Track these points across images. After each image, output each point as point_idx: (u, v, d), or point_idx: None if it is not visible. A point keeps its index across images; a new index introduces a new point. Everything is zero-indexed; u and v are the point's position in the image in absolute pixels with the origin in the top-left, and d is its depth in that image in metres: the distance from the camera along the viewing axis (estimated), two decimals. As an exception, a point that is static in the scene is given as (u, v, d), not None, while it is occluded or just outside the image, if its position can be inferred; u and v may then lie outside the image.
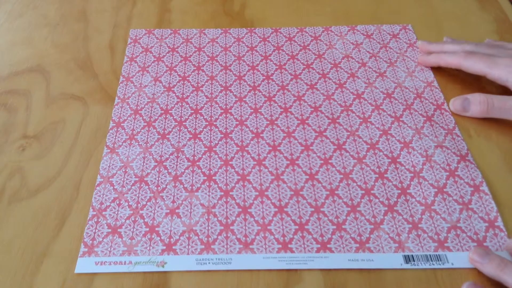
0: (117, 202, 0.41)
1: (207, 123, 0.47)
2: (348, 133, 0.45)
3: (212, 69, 0.52)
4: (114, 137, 0.46)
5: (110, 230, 0.39)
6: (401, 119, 0.46)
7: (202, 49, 0.54)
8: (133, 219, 0.40)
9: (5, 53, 0.55)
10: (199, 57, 0.53)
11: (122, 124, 0.47)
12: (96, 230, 0.39)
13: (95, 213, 0.40)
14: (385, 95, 0.49)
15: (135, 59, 0.53)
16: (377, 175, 0.42)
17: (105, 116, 0.48)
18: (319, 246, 0.38)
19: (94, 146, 0.46)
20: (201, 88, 0.50)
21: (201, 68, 0.52)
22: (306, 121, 0.47)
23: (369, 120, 0.46)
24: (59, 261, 0.38)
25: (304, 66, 0.52)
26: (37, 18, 0.60)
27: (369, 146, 0.44)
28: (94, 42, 0.56)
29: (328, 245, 0.38)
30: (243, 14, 0.59)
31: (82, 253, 0.38)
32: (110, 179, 0.43)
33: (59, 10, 0.61)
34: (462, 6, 0.59)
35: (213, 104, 0.48)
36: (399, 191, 0.41)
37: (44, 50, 0.55)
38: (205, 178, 0.42)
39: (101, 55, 0.55)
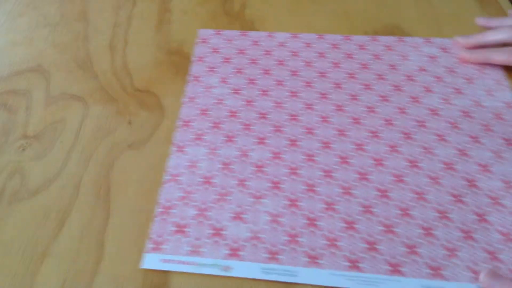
0: (184, 202, 0.41)
1: (274, 128, 0.46)
2: (423, 150, 0.43)
3: (280, 73, 0.51)
4: (182, 136, 0.46)
5: (176, 228, 0.39)
6: (478, 140, 0.44)
7: (271, 53, 0.53)
8: (199, 219, 0.40)
9: (5, 53, 0.55)
10: (267, 61, 0.53)
11: (190, 124, 0.47)
12: (163, 228, 0.39)
13: (161, 210, 0.40)
14: (461, 113, 0.46)
15: (203, 59, 0.53)
16: (453, 198, 0.40)
17: (105, 116, 0.48)
18: (390, 268, 0.36)
19: (94, 146, 0.46)
20: (268, 92, 0.49)
21: (269, 72, 0.51)
22: (378, 134, 0.45)
23: (445, 138, 0.44)
24: (59, 261, 0.38)
25: (376, 77, 0.50)
26: (37, 18, 0.60)
27: (445, 166, 0.42)
28: (94, 42, 0.56)
29: (400, 268, 0.36)
30: (243, 14, 0.59)
31: (149, 249, 0.38)
32: (177, 178, 0.42)
33: (59, 10, 0.61)
34: (462, 6, 0.59)
35: (280, 109, 0.48)
36: (477, 217, 0.39)
37: (44, 50, 0.55)
38: (271, 185, 0.42)
39: (101, 55, 0.55)
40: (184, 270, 0.37)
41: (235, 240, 0.38)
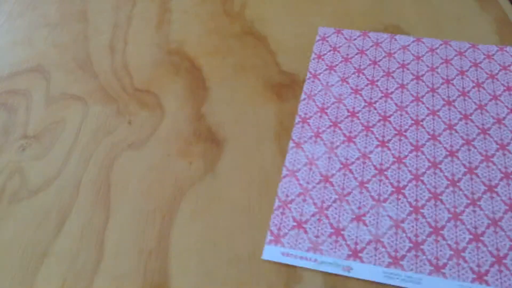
0: (302, 198, 0.41)
1: (396, 132, 0.45)
2: None
3: (402, 77, 0.50)
4: (300, 133, 0.46)
5: (295, 223, 0.39)
6: None
7: (392, 55, 0.53)
8: (318, 217, 0.40)
9: (5, 53, 0.55)
10: (388, 63, 0.52)
11: (308, 121, 0.47)
12: (282, 221, 0.39)
13: (280, 204, 0.41)
14: None
15: (322, 57, 0.53)
16: None
17: (105, 116, 0.48)
18: None
19: (94, 146, 0.46)
20: (390, 95, 0.48)
21: (391, 74, 0.51)
22: (507, 147, 0.44)
23: None
24: (59, 261, 0.38)
25: (504, 88, 0.49)
26: (37, 18, 0.60)
27: None
28: (94, 42, 0.56)
29: None
30: (243, 14, 0.59)
31: (269, 241, 0.38)
32: (295, 174, 0.43)
33: (59, 10, 0.61)
34: (462, 6, 0.59)
35: (403, 113, 0.47)
36: None
37: (44, 50, 0.55)
38: (393, 190, 0.41)
39: (101, 55, 0.55)
40: (305, 266, 0.37)
41: (355, 241, 0.38)
